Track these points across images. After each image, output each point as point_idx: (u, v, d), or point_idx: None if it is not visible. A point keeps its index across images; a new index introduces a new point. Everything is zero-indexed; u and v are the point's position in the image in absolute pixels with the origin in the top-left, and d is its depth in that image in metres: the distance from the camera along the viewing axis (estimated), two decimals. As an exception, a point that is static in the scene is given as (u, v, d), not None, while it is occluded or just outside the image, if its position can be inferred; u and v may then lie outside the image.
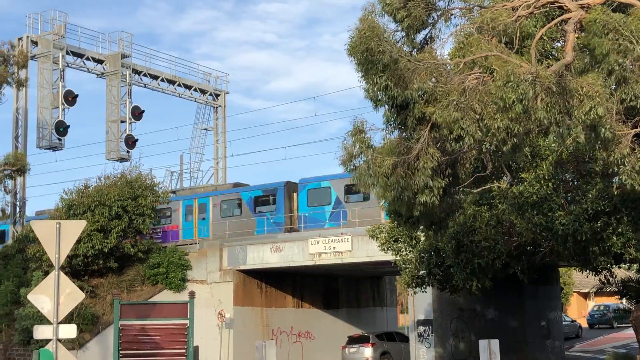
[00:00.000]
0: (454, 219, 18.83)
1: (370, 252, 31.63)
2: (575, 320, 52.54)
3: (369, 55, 12.30)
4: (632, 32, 11.50)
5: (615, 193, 17.82)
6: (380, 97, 12.89)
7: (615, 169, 11.99)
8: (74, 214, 35.84)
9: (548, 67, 12.19)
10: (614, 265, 23.28)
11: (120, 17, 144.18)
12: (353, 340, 36.39)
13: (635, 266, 28.24)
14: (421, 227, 17.25)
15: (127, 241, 36.88)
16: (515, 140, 11.80)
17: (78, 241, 32.27)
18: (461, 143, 12.09)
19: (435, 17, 14.03)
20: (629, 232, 18.95)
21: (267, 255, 35.28)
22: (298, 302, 39.11)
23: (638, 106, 11.77)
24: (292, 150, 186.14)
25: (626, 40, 11.45)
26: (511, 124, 11.47)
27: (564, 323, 49.31)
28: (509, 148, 11.91)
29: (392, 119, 13.56)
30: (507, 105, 11.26)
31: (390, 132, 13.93)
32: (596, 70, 11.72)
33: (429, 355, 31.20)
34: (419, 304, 31.58)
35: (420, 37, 14.46)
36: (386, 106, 13.35)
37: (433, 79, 12.49)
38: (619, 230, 18.91)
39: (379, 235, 25.91)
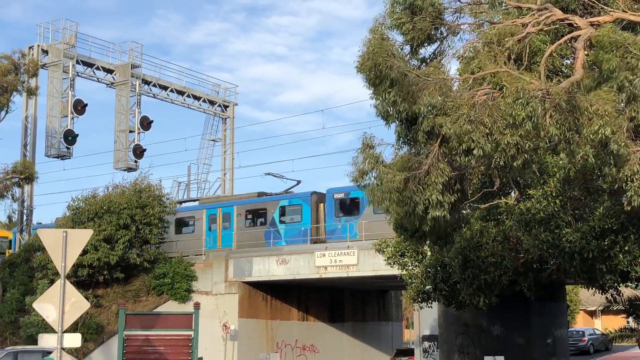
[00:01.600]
0: (460, 234, 18.80)
1: (376, 266, 31.58)
2: (605, 334, 52.48)
3: (377, 71, 12.32)
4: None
5: (628, 209, 17.77)
6: (390, 112, 12.90)
7: (624, 186, 11.94)
8: (80, 222, 35.92)
9: (557, 84, 12.19)
10: (620, 284, 23.16)
11: (132, 28, 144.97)
12: (401, 353, 36.73)
13: (642, 285, 28.08)
14: (428, 242, 17.22)
15: (133, 251, 36.87)
16: (525, 156, 11.77)
17: (84, 252, 32.34)
18: (470, 156, 12.08)
19: (444, 32, 14.05)
20: (636, 250, 18.85)
21: (272, 267, 35.23)
22: (303, 315, 39.02)
23: None
24: (300, 163, 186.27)
25: (634, 57, 11.44)
26: (521, 140, 11.46)
27: (594, 336, 49.32)
28: (519, 164, 11.88)
29: (403, 135, 13.57)
30: (517, 122, 11.26)
31: (400, 148, 13.95)
32: (605, 86, 11.70)
33: (434, 370, 31.07)
34: (424, 319, 31.48)
35: (429, 51, 14.49)
36: (397, 122, 13.36)
37: (442, 95, 12.50)
38: (626, 248, 18.83)
39: (385, 250, 25.87)
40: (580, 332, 50.73)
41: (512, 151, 11.57)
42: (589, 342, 48.56)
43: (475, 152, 11.76)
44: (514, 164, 11.84)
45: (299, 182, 42.66)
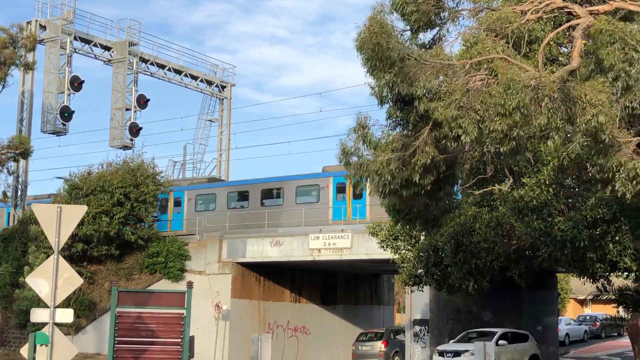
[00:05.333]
0: (451, 218, 18.87)
1: (369, 249, 31.69)
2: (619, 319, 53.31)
3: (378, 51, 12.31)
4: (637, 41, 11.51)
5: (614, 203, 17.88)
6: (385, 93, 12.92)
7: (611, 176, 11.97)
8: (76, 197, 36.03)
9: (553, 72, 12.20)
10: (611, 273, 23.30)
11: (134, 6, 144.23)
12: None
13: (632, 275, 28.25)
14: (417, 225, 17.30)
15: (128, 228, 36.97)
16: (513, 143, 11.81)
17: (81, 224, 32.41)
18: (459, 142, 12.14)
19: (444, 17, 14.05)
20: (627, 241, 18.97)
21: (266, 248, 35.32)
22: (295, 296, 39.17)
23: None
24: (296, 146, 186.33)
25: (632, 49, 11.46)
26: (509, 128, 11.51)
27: (606, 322, 50.12)
28: (506, 150, 11.92)
29: (395, 116, 13.61)
30: (508, 112, 11.30)
31: (392, 129, 13.99)
32: (601, 77, 11.72)
33: (424, 354, 31.25)
34: (416, 303, 31.62)
35: (428, 36, 14.50)
36: (390, 103, 13.38)
37: (439, 78, 12.52)
38: (617, 238, 18.95)
39: (378, 233, 25.99)
40: (594, 317, 51.93)
41: (500, 137, 11.61)
42: (601, 326, 49.52)
43: (463, 138, 11.82)
44: (502, 149, 11.88)
45: None
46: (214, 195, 40.66)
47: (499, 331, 31.47)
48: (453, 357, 28.54)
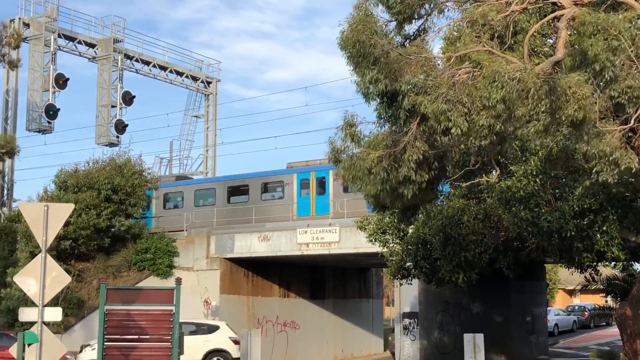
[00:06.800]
0: (439, 210, 18.80)
1: (357, 243, 31.72)
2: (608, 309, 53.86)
3: (360, 49, 12.33)
4: (620, 31, 11.55)
5: (600, 193, 17.94)
6: (370, 90, 12.92)
7: (594, 164, 12.03)
8: (65, 192, 36.05)
9: (538, 64, 12.22)
10: (598, 263, 23.40)
11: (118, 3, 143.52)
12: None
13: (620, 265, 28.40)
14: (392, 212, 17.26)
15: (119, 219, 36.95)
16: (494, 137, 11.84)
17: (67, 223, 32.37)
18: (449, 136, 12.15)
19: (429, 9, 14.04)
20: (614, 231, 19.04)
21: (254, 244, 35.30)
22: (284, 291, 39.16)
23: (625, 102, 11.81)
24: (282, 140, 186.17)
25: (615, 39, 11.49)
26: (493, 121, 11.53)
27: (594, 311, 50.62)
28: (488, 144, 11.96)
29: (384, 113, 13.59)
30: (491, 104, 11.32)
31: (382, 126, 13.98)
32: (586, 70, 11.75)
33: (414, 347, 31.35)
34: (405, 296, 31.69)
35: (413, 28, 14.49)
36: (377, 99, 13.38)
37: (424, 73, 12.52)
38: (604, 228, 19.02)
39: (366, 227, 25.97)
40: (582, 307, 52.30)
41: (485, 132, 11.63)
42: (590, 316, 49.85)
43: (453, 131, 11.82)
44: (482, 142, 11.91)
45: None
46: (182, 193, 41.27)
47: None
48: (79, 352, 30.08)
